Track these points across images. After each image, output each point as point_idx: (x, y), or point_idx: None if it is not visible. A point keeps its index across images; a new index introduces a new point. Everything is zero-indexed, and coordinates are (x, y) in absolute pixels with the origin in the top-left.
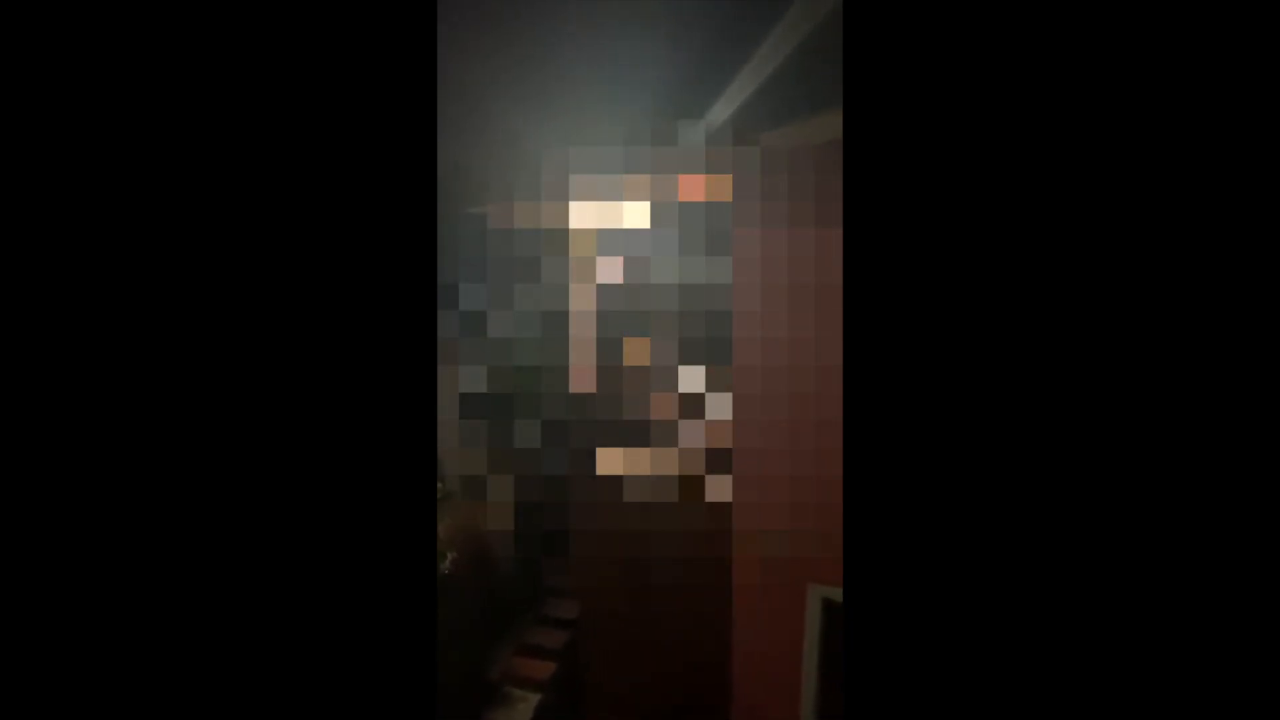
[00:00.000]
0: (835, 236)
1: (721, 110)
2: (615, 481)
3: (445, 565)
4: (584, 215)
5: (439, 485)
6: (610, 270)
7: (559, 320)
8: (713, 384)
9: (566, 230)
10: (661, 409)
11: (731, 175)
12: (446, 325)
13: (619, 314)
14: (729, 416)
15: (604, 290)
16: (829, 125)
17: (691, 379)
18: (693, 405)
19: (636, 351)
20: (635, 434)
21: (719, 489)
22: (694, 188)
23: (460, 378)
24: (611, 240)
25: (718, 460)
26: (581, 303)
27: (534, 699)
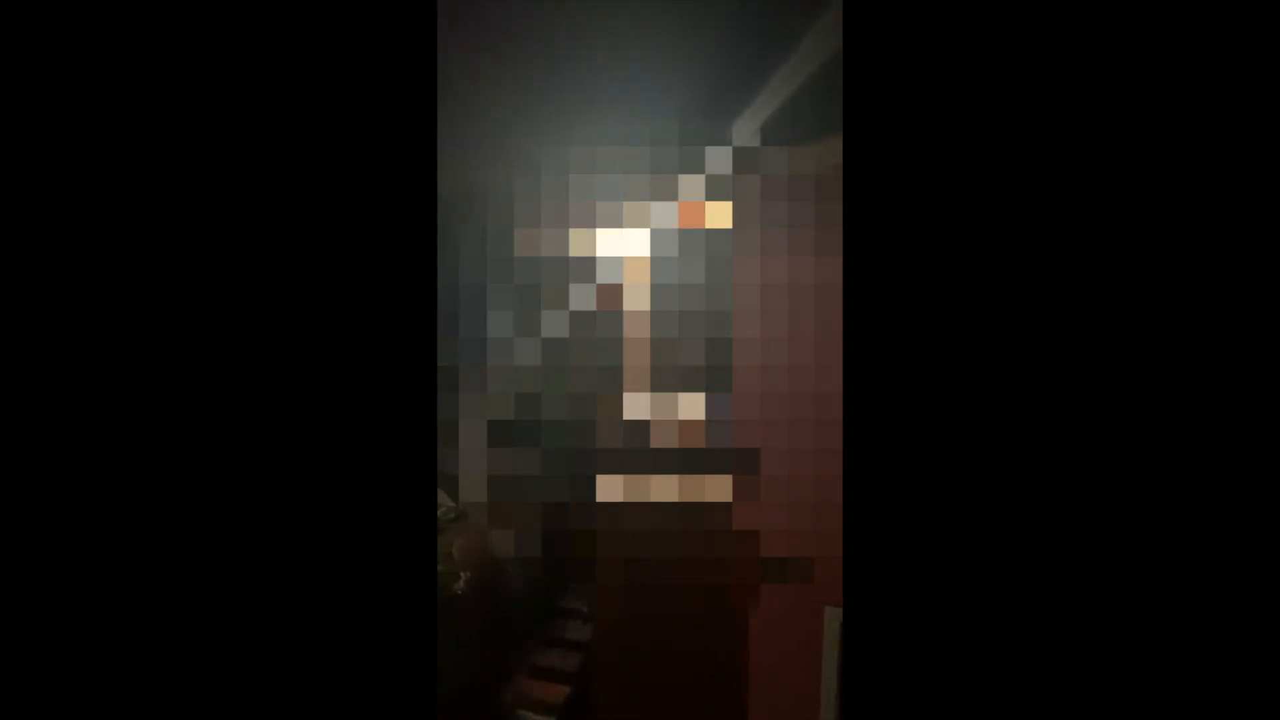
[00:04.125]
0: (836, 262)
1: (750, 121)
2: (622, 506)
3: (458, 586)
4: (585, 242)
5: (453, 506)
6: (638, 271)
7: (560, 346)
8: (713, 411)
9: (567, 259)
10: (662, 436)
11: (732, 202)
12: (447, 352)
13: (618, 341)
14: (730, 444)
15: (604, 316)
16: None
17: (692, 406)
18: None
19: (637, 378)
20: (637, 461)
21: (718, 489)
22: (694, 214)
23: (461, 405)
24: (611, 268)
25: (718, 461)
26: (583, 328)
27: None
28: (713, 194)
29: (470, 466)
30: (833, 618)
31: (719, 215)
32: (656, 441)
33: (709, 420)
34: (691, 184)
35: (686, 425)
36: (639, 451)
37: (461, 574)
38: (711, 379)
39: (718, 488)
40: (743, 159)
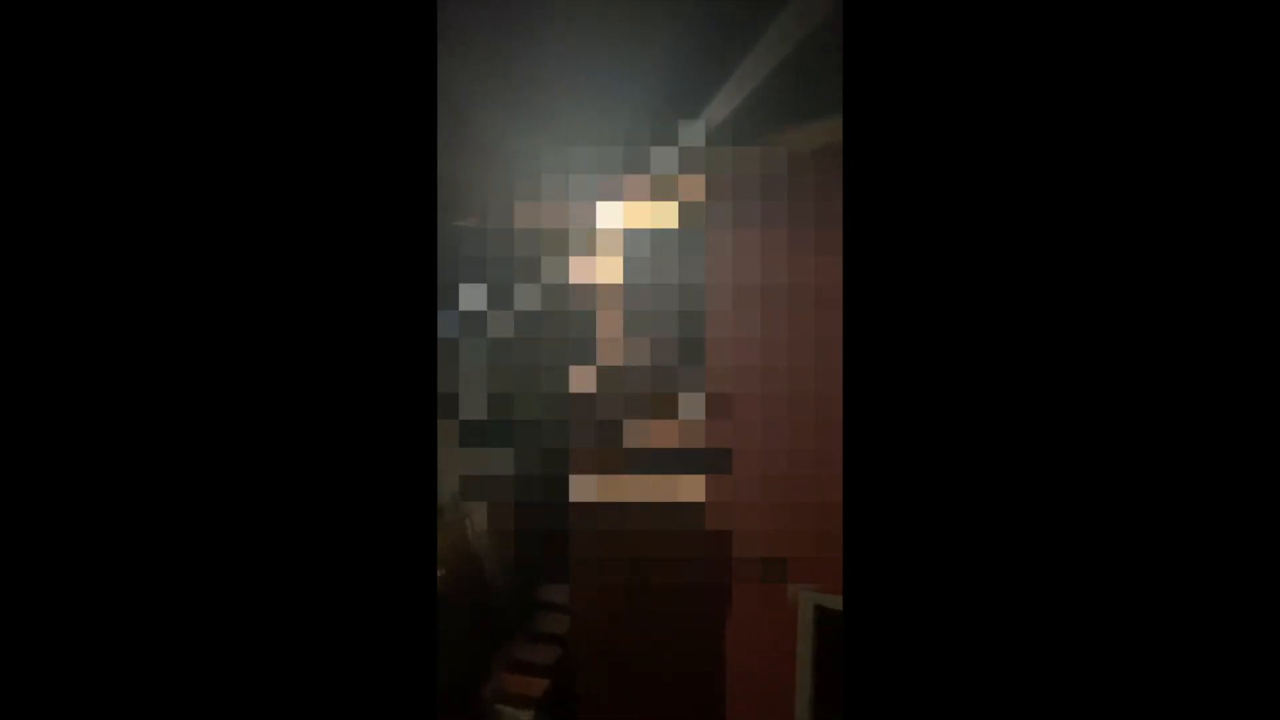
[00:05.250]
0: (835, 239)
1: (716, 113)
2: (595, 506)
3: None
4: (583, 218)
5: None
6: (610, 270)
7: (532, 346)
8: (712, 401)
9: (566, 230)
10: (635, 436)
11: (731, 178)
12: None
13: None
14: (702, 443)
15: (604, 291)
16: (826, 130)
17: (691, 388)
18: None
19: (637, 350)
20: (610, 461)
21: (691, 489)
22: (693, 189)
23: (461, 403)
24: (611, 241)
25: (716, 461)
26: (581, 305)
27: (526, 716)
28: (658, 193)
29: (444, 467)
30: (807, 601)
31: (666, 215)
32: (629, 442)
33: (681, 420)
34: (637, 183)
35: (658, 425)
36: (612, 451)
37: (438, 570)
38: (684, 379)
39: (690, 488)
40: (689, 159)
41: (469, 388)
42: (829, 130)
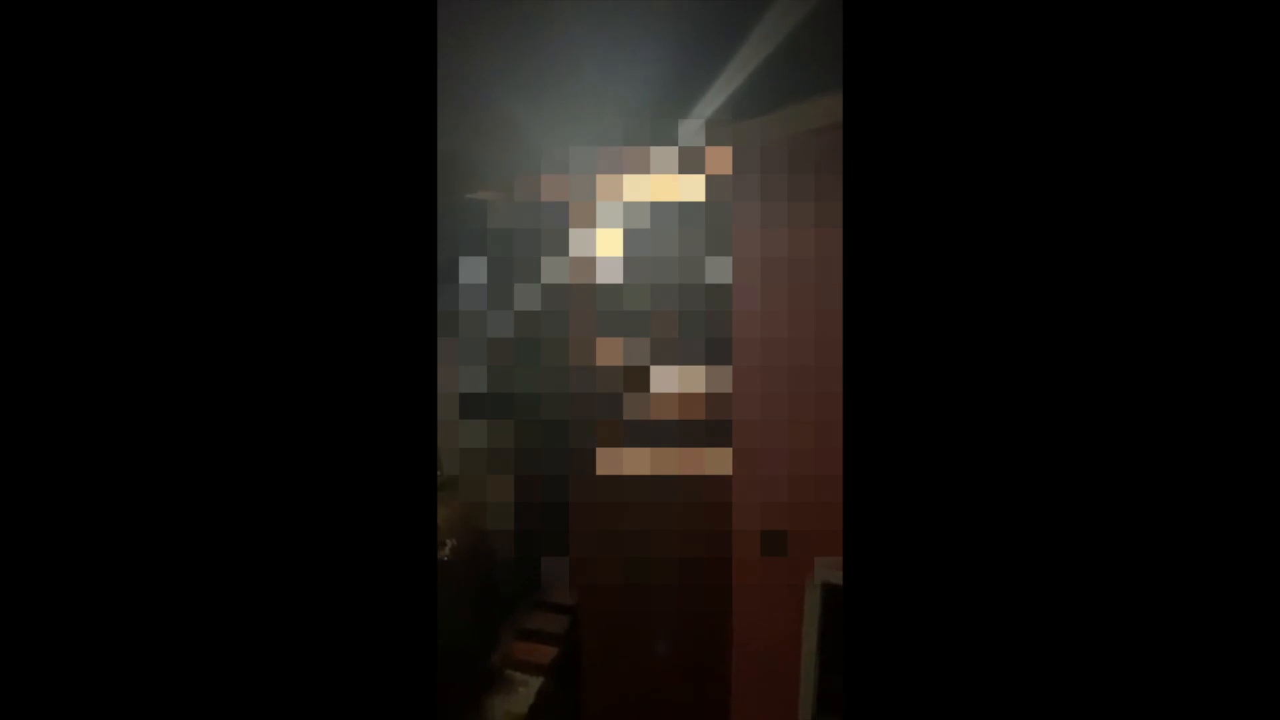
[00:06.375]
0: (835, 231)
1: (714, 98)
2: (615, 480)
3: (445, 553)
4: (585, 213)
5: (438, 473)
6: (610, 270)
7: (559, 319)
8: (712, 384)
9: (566, 229)
10: (662, 409)
11: (730, 174)
12: (445, 324)
13: (619, 314)
14: (729, 416)
15: (604, 290)
16: (823, 110)
17: (691, 378)
18: (693, 403)
19: (638, 350)
20: (637, 433)
21: (691, 461)
22: (693, 188)
23: (460, 377)
24: (611, 241)
25: (718, 436)
26: (582, 301)
27: (535, 683)
28: (658, 193)
29: (445, 439)
30: (814, 580)
31: (692, 188)
32: (629, 414)
33: (683, 393)
34: (637, 183)
35: (659, 397)
36: (611, 424)
37: (447, 541)
38: (685, 352)
39: (690, 460)
40: (688, 158)
41: (469, 381)
42: (827, 111)
